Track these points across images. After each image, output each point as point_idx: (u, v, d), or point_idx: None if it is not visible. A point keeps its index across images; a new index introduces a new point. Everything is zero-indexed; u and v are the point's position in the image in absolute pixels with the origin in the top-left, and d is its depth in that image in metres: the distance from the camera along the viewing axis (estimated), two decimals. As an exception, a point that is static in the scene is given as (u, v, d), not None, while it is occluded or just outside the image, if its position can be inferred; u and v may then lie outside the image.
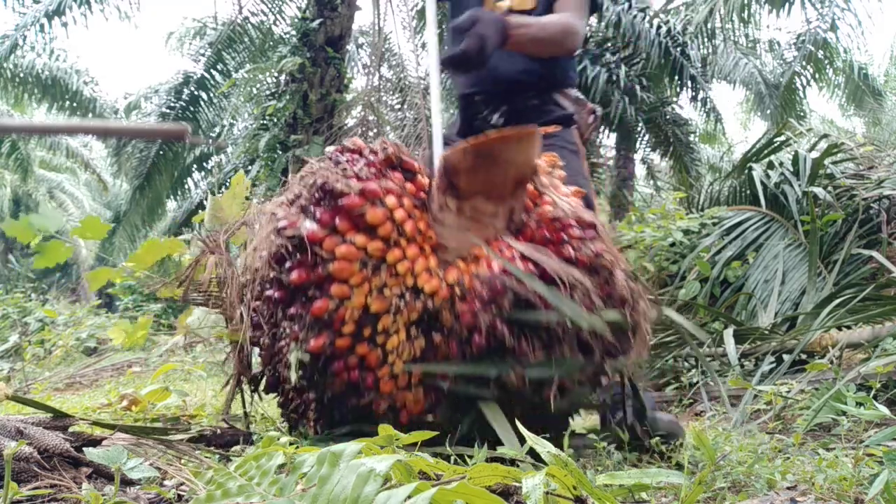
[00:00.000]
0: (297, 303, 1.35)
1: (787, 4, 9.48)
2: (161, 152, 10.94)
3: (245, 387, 1.81)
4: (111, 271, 2.10)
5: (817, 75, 11.58)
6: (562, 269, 1.31)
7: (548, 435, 1.31)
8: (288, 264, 1.36)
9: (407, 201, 1.38)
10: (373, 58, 9.61)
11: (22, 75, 11.49)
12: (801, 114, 11.78)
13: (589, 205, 2.11)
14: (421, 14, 9.79)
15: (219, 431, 1.59)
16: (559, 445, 1.15)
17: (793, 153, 5.01)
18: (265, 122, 8.36)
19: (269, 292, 1.43)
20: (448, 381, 1.32)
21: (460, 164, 1.35)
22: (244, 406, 1.84)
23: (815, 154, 4.82)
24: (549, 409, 1.30)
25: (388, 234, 1.34)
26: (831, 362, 2.50)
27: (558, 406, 1.31)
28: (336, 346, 1.29)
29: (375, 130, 8.82)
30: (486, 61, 1.72)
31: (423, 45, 9.78)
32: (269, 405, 2.48)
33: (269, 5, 9.98)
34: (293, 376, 1.33)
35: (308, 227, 1.34)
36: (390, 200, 1.35)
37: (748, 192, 5.10)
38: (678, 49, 9.00)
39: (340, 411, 1.38)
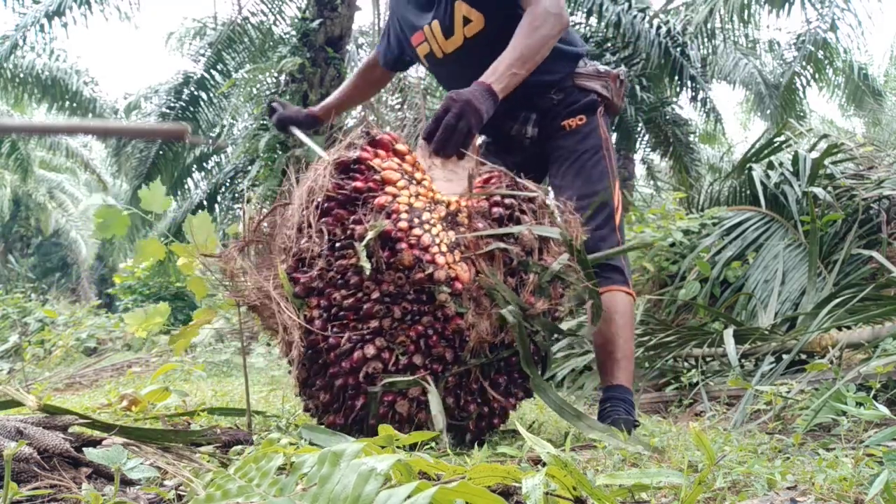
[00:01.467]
0: (358, 209, 1.70)
1: (787, 4, 9.47)
2: (161, 152, 10.93)
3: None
4: (161, 246, 2.09)
5: (817, 75, 11.57)
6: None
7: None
8: (347, 181, 1.77)
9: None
10: (373, 58, 9.60)
11: (22, 75, 11.48)
12: (801, 114, 11.78)
13: (604, 205, 2.12)
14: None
15: (218, 431, 1.59)
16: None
17: (793, 153, 5.01)
18: (265, 122, 8.36)
19: (327, 215, 1.74)
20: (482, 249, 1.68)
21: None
22: (247, 399, 1.84)
23: (814, 154, 4.82)
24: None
25: (412, 162, 1.83)
26: (831, 362, 2.50)
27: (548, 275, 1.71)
28: (399, 227, 1.64)
29: (375, 131, 8.81)
30: (470, 133, 1.84)
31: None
32: (271, 398, 2.48)
33: (269, 5, 9.98)
34: (366, 264, 1.59)
35: (359, 152, 1.79)
36: (406, 145, 1.88)
37: (748, 192, 5.10)
38: (678, 49, 8.99)
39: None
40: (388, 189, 1.71)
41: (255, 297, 1.73)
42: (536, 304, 1.67)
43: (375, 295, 1.62)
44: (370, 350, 1.59)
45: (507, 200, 1.73)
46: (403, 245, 1.62)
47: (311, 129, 2.65)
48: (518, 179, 1.80)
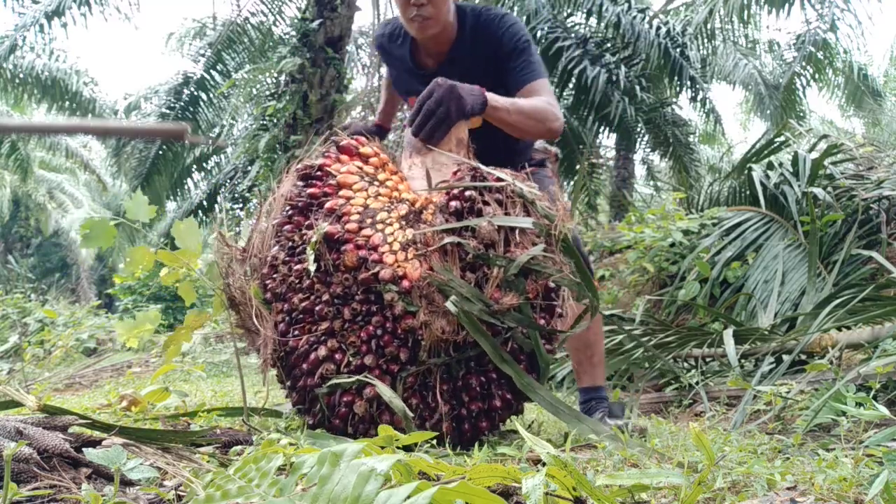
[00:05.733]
0: (312, 214, 1.74)
1: (786, 5, 9.46)
2: (161, 152, 10.93)
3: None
4: (150, 253, 2.06)
5: (817, 76, 11.58)
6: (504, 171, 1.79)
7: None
8: (305, 187, 1.82)
9: (386, 156, 1.91)
10: (373, 58, 9.61)
11: (22, 76, 11.48)
12: (801, 114, 11.78)
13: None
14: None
15: (218, 431, 1.59)
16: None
17: (792, 154, 5.02)
18: (265, 122, 8.36)
19: (289, 222, 1.78)
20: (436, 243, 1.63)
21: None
22: (244, 399, 1.84)
23: (814, 154, 4.82)
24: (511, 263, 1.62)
25: (377, 164, 1.86)
26: (831, 363, 2.50)
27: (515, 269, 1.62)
28: (347, 230, 1.66)
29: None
30: (448, 119, 1.82)
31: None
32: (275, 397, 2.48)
33: (269, 5, 9.98)
34: (311, 267, 1.63)
35: (321, 160, 1.85)
36: (375, 148, 1.90)
37: (748, 192, 5.10)
38: (678, 50, 8.99)
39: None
40: (342, 192, 1.75)
41: (238, 297, 1.80)
42: (503, 300, 1.59)
43: (325, 297, 1.64)
44: (322, 351, 1.61)
45: (466, 193, 1.68)
46: (349, 246, 1.63)
47: (382, 138, 2.74)
48: (484, 168, 1.74)
